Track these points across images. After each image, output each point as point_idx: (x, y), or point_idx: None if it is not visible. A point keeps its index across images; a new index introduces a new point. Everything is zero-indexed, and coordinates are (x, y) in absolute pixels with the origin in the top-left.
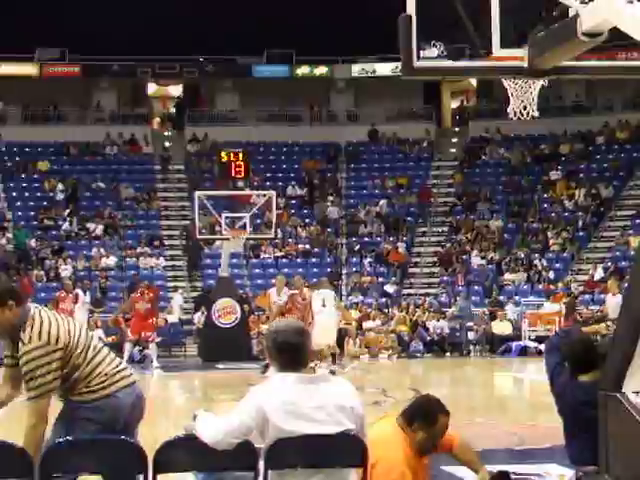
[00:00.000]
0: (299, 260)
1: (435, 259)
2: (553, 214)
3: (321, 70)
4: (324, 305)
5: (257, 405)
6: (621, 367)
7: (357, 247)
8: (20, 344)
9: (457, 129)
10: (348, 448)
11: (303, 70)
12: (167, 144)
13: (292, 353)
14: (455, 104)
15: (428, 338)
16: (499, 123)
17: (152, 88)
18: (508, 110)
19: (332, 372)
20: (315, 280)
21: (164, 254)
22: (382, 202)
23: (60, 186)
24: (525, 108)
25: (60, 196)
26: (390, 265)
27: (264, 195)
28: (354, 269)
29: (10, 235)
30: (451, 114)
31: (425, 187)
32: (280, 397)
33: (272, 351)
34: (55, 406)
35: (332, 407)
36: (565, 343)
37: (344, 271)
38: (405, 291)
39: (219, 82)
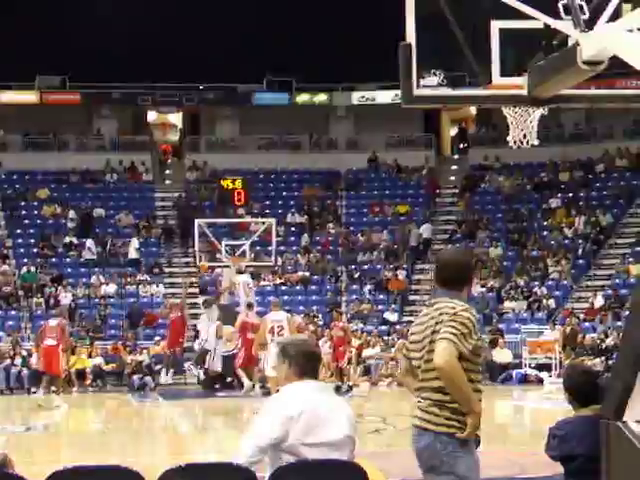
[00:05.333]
0: (298, 288)
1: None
2: (553, 242)
3: (321, 98)
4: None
5: (283, 415)
6: (622, 396)
7: (357, 275)
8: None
9: (457, 157)
10: (350, 476)
11: (303, 98)
12: (167, 172)
13: (314, 362)
14: (454, 132)
15: None
16: (499, 151)
17: (152, 116)
18: (508, 138)
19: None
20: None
21: (164, 281)
22: (423, 227)
23: (72, 214)
24: (525, 136)
25: (71, 224)
26: (390, 293)
27: (263, 222)
28: (354, 297)
29: (12, 262)
30: (450, 142)
31: (431, 176)
32: (303, 404)
33: (298, 359)
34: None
35: (342, 413)
36: (568, 375)
37: (344, 299)
38: (405, 318)
39: (219, 110)
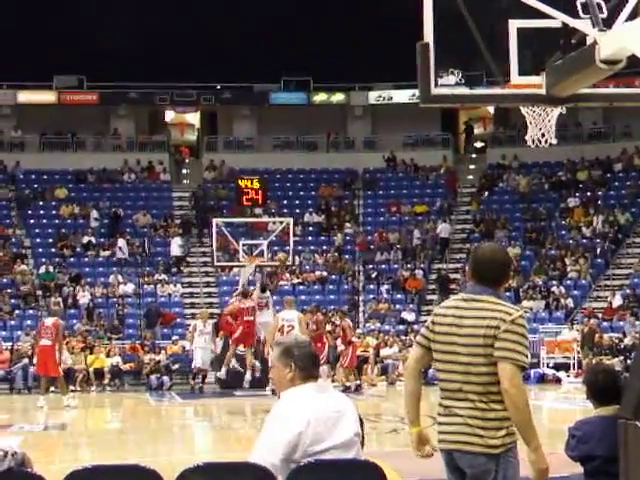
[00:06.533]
0: (316, 287)
1: (453, 286)
2: (571, 241)
3: (338, 97)
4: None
5: (292, 432)
6: None
7: (374, 274)
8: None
9: (474, 156)
10: (367, 476)
11: (320, 97)
12: (184, 171)
13: (318, 365)
14: (475, 130)
15: None
16: (516, 150)
17: (170, 115)
18: (526, 137)
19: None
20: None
21: (182, 281)
22: (441, 227)
23: (95, 213)
24: (543, 135)
25: (94, 224)
26: (407, 292)
27: (281, 222)
28: (371, 296)
29: (31, 262)
30: (468, 140)
31: (450, 175)
32: (309, 412)
33: (304, 362)
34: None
35: (346, 410)
36: (588, 372)
37: (361, 298)
38: (423, 318)
39: (236, 109)
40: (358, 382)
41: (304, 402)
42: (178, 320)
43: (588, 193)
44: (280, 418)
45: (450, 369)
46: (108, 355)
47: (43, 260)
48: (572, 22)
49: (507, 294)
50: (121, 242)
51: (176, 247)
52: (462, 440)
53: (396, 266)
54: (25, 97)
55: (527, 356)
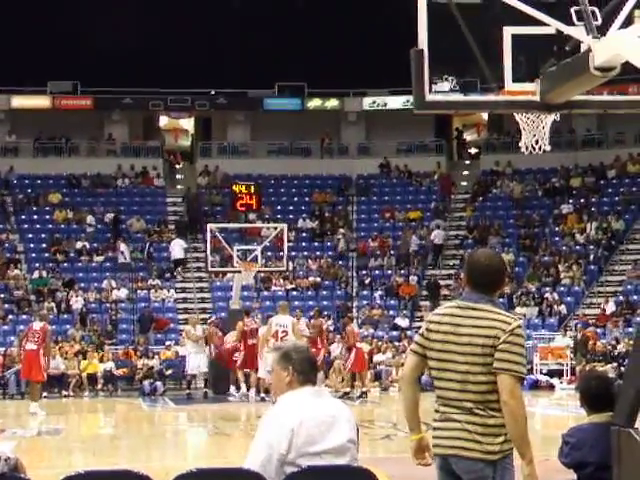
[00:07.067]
0: (309, 293)
1: (446, 292)
2: (564, 247)
3: (332, 103)
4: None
5: (283, 433)
6: (634, 403)
7: (368, 280)
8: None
9: (468, 162)
10: None
11: (314, 103)
12: (178, 176)
13: (316, 369)
14: (469, 137)
15: None
16: (510, 156)
17: (164, 121)
18: (520, 144)
19: None
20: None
21: (175, 286)
22: (435, 233)
23: (91, 218)
24: (537, 142)
25: (89, 229)
26: (401, 298)
27: (275, 228)
28: (365, 302)
29: (24, 267)
30: (458, 147)
31: (445, 177)
32: (302, 414)
33: (302, 366)
34: None
35: (341, 416)
36: (581, 378)
37: (355, 304)
38: (416, 324)
39: (230, 115)
40: (365, 389)
41: (299, 404)
42: (171, 325)
43: (581, 200)
44: (274, 419)
45: (447, 377)
46: (101, 360)
47: (36, 265)
48: (566, 29)
49: (501, 300)
50: (123, 247)
51: (179, 249)
52: (459, 445)
53: (390, 272)
54: (19, 102)
55: (525, 365)
